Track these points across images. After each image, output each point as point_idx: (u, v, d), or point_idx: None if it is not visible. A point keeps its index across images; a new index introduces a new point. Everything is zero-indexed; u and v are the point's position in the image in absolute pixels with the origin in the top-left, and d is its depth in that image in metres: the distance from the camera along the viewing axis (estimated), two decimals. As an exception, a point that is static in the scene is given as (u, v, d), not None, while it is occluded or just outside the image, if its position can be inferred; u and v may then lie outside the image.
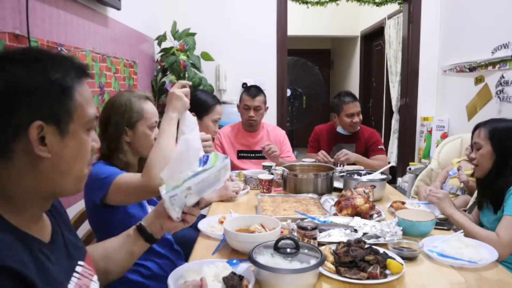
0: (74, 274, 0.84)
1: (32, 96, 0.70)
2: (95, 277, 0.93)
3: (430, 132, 3.89)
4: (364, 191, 1.80)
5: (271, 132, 2.87)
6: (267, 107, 2.84)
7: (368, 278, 1.17)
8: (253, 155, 2.78)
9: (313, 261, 1.16)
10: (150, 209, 1.57)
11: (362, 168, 2.44)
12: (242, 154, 2.80)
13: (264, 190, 2.14)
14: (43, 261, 0.73)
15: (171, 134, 1.39)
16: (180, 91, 1.45)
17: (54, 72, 0.73)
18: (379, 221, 1.64)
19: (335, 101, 2.84)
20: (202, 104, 2.31)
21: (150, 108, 1.59)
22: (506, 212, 1.58)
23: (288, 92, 5.22)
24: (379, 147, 2.83)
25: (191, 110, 2.27)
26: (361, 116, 2.81)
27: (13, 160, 0.71)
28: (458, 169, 2.48)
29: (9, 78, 0.69)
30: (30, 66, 0.71)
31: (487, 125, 1.76)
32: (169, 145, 1.36)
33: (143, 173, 1.32)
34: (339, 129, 2.88)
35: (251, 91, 2.75)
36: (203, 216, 1.92)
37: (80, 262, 0.88)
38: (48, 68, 0.72)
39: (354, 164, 2.59)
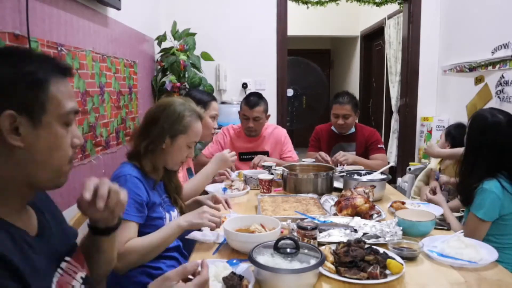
0: (58, 270, 0.84)
1: (3, 87, 0.73)
2: (80, 275, 0.91)
3: (430, 132, 3.89)
4: (364, 191, 1.80)
5: (272, 133, 2.85)
6: (269, 115, 2.80)
7: (368, 278, 1.17)
8: (254, 156, 2.75)
9: (313, 261, 1.16)
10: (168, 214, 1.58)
11: (362, 168, 2.44)
12: (244, 157, 2.78)
13: (264, 190, 2.15)
14: (27, 251, 0.75)
15: (167, 241, 1.43)
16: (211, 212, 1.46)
17: (26, 65, 0.76)
18: (379, 221, 1.64)
19: (331, 99, 2.90)
20: (198, 102, 2.30)
21: (197, 127, 1.61)
22: (471, 209, 1.72)
23: (290, 92, 5.22)
24: (379, 146, 2.84)
25: None
26: (350, 120, 2.78)
27: None
28: (436, 176, 2.55)
29: None
30: (2, 61, 0.75)
31: (477, 112, 1.90)
32: (155, 253, 1.41)
33: (120, 257, 1.30)
34: (333, 128, 2.90)
35: (250, 101, 2.69)
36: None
37: (66, 258, 0.88)
38: (20, 62, 0.76)
39: (353, 164, 2.60)
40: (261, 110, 2.69)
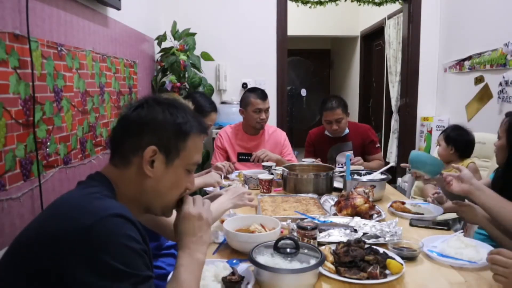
0: None
1: (158, 128, 0.93)
2: None
3: (430, 132, 3.89)
4: (364, 191, 1.80)
5: (272, 134, 2.85)
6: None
7: (368, 278, 1.17)
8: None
9: (313, 261, 1.16)
10: None
11: (362, 168, 2.44)
12: (242, 157, 2.76)
13: (264, 190, 2.15)
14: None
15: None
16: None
17: (179, 117, 0.95)
18: (379, 221, 1.64)
19: (320, 106, 2.83)
20: (199, 108, 2.33)
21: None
22: None
23: (304, 93, 5.24)
24: (377, 146, 2.86)
25: None
26: (343, 123, 2.75)
27: (129, 169, 0.93)
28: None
29: (149, 111, 0.94)
30: (166, 108, 0.95)
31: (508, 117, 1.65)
32: None
33: None
34: (327, 132, 2.89)
35: (260, 94, 2.73)
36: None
37: None
38: (177, 113, 0.95)
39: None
40: (268, 101, 2.75)
